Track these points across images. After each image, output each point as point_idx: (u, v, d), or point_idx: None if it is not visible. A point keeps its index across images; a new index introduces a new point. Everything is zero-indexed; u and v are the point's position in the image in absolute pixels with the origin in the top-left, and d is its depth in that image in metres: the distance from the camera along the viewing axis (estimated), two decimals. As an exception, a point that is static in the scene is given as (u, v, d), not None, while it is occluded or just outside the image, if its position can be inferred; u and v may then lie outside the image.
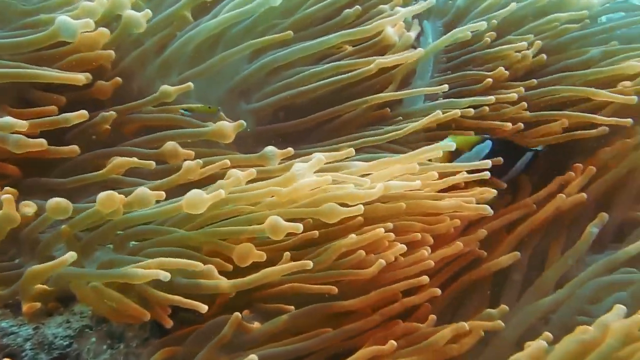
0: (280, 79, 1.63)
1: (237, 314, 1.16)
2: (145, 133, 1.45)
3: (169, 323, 1.15)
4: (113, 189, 1.15)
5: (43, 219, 1.21)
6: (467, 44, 1.78)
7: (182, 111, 1.45)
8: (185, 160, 1.36)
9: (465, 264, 1.43)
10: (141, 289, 1.16)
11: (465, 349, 1.22)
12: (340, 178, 1.27)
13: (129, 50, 1.49)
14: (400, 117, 1.66)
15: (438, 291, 1.27)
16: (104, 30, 1.37)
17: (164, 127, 1.46)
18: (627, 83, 1.66)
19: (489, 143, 1.51)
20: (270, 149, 1.39)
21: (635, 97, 1.60)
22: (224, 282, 1.16)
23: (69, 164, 1.38)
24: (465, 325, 1.23)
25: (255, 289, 1.23)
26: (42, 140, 1.19)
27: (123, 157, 1.30)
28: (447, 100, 1.65)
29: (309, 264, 1.17)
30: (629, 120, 1.59)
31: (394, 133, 1.54)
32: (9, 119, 1.17)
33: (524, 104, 1.63)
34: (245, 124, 1.39)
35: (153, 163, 1.30)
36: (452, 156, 1.48)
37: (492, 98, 1.60)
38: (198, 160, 1.27)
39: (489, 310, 1.31)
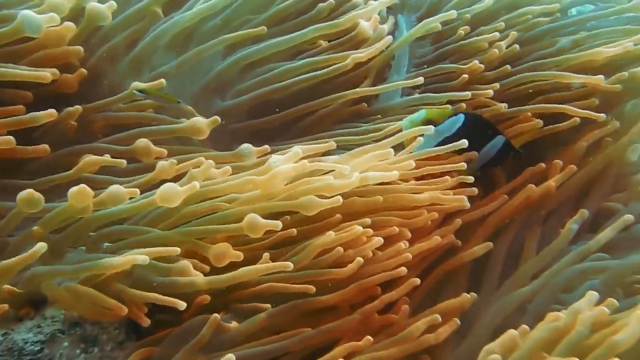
0: (255, 75, 1.61)
1: (216, 315, 1.15)
2: (117, 132, 1.42)
3: (145, 322, 1.13)
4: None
5: (12, 215, 1.17)
6: (441, 38, 1.79)
7: (136, 92, 1.40)
8: (157, 158, 1.34)
9: (441, 254, 1.44)
10: (117, 289, 1.13)
11: (442, 338, 1.22)
12: (318, 166, 1.26)
13: (98, 47, 1.46)
14: (379, 115, 1.66)
15: (417, 281, 1.27)
16: (69, 24, 1.34)
17: (136, 125, 1.43)
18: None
19: (461, 116, 1.51)
20: (246, 146, 1.38)
21: (602, 77, 1.62)
22: (200, 279, 1.14)
23: (38, 164, 1.34)
24: (439, 317, 1.23)
25: (232, 289, 1.22)
26: (10, 138, 1.16)
27: (94, 156, 1.27)
28: (423, 95, 1.66)
29: (289, 265, 1.16)
30: (602, 115, 1.61)
31: (373, 134, 1.54)
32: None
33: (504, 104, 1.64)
34: (219, 119, 1.37)
35: (124, 161, 1.28)
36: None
37: (468, 94, 1.61)
38: (172, 160, 1.25)
39: (460, 297, 1.32)
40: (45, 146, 1.29)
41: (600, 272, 1.39)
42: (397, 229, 1.29)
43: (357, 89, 1.63)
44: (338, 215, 1.28)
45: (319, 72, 1.58)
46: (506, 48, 1.71)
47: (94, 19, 1.37)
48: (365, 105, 1.67)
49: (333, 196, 1.19)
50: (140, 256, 1.07)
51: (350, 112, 1.67)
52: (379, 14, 1.71)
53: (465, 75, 1.66)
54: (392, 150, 1.34)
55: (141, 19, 1.49)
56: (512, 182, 1.59)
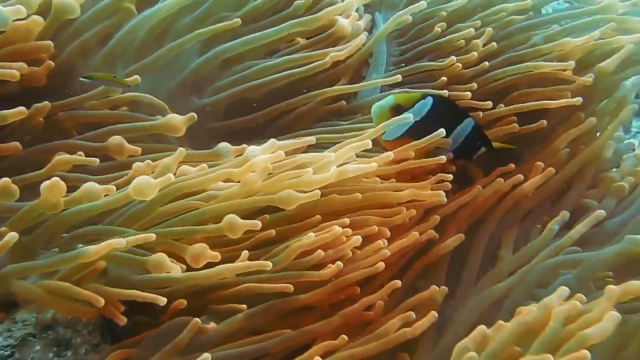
0: (232, 73, 1.60)
1: (197, 320, 1.13)
2: (90, 129, 1.39)
3: (122, 320, 1.11)
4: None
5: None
6: (419, 36, 1.80)
7: (82, 78, 1.36)
8: (131, 156, 1.31)
9: (419, 249, 1.44)
10: (93, 287, 1.10)
11: (419, 332, 1.22)
12: (297, 158, 1.26)
13: (69, 43, 1.42)
14: (359, 114, 1.66)
15: (398, 283, 1.27)
16: (37, 18, 1.30)
17: (110, 123, 1.39)
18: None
19: (429, 99, 1.51)
20: (223, 145, 1.36)
21: (572, 62, 1.66)
22: (177, 275, 1.13)
23: (8, 162, 1.30)
24: (413, 314, 1.23)
25: (209, 290, 1.21)
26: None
27: (66, 154, 1.24)
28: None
29: (268, 264, 1.15)
30: (579, 99, 1.63)
31: (353, 133, 1.53)
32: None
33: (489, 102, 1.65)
34: (196, 116, 1.35)
35: (97, 160, 1.25)
36: (395, 113, 1.47)
37: (445, 92, 1.62)
38: (148, 160, 1.23)
39: (429, 290, 1.32)
40: (17, 143, 1.26)
41: (572, 265, 1.41)
42: (376, 229, 1.29)
43: (336, 87, 1.62)
44: (318, 216, 1.28)
45: (297, 69, 1.57)
46: (483, 46, 1.72)
47: (61, 12, 1.33)
48: (344, 103, 1.67)
49: (312, 190, 1.19)
50: (117, 240, 1.05)
51: (329, 111, 1.67)
52: (357, 12, 1.70)
53: (444, 78, 1.66)
54: (370, 142, 1.33)
55: (113, 13, 1.46)
56: (487, 178, 1.60)
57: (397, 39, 1.83)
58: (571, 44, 1.70)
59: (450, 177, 1.46)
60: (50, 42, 1.34)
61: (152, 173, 1.20)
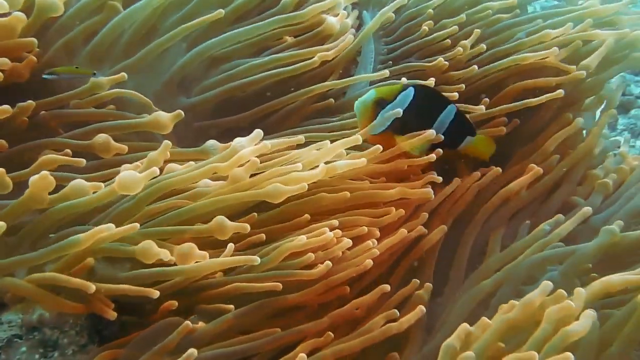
0: (220, 72, 1.59)
1: (188, 322, 1.13)
2: (76, 127, 1.37)
3: (112, 315, 1.10)
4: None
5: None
6: (407, 34, 1.80)
7: (45, 76, 1.33)
8: (117, 154, 1.30)
9: (407, 246, 1.45)
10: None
11: (405, 327, 1.23)
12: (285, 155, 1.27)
13: (54, 40, 1.41)
14: (349, 112, 1.65)
15: (387, 287, 1.28)
16: (19, 14, 1.27)
17: (96, 121, 1.38)
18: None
19: (411, 90, 1.51)
20: (211, 142, 1.36)
21: (556, 49, 1.67)
22: (166, 269, 1.13)
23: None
24: (396, 312, 1.24)
25: (198, 290, 1.20)
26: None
27: (53, 154, 1.23)
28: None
29: (256, 259, 1.15)
30: (561, 91, 1.65)
31: (342, 132, 1.54)
32: None
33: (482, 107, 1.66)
34: (183, 114, 1.34)
35: (83, 161, 1.24)
36: (378, 107, 1.48)
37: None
38: (137, 163, 1.21)
39: (410, 285, 1.35)
40: (2, 141, 1.25)
41: (556, 260, 1.42)
42: (366, 229, 1.30)
43: (324, 83, 1.62)
44: (307, 215, 1.28)
45: (285, 68, 1.57)
46: (471, 47, 1.73)
47: (45, 10, 1.32)
48: (333, 101, 1.67)
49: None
50: (107, 225, 1.04)
51: (318, 109, 1.66)
52: (345, 10, 1.70)
53: (433, 79, 1.65)
54: (360, 137, 1.35)
55: (98, 11, 1.44)
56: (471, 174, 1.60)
57: (385, 37, 1.83)
58: (551, 35, 1.71)
59: (440, 179, 1.47)
60: (34, 39, 1.32)
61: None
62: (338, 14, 1.66)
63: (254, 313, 1.20)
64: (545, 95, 1.65)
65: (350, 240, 1.25)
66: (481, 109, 1.64)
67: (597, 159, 1.78)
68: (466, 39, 1.75)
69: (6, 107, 1.19)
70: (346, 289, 1.27)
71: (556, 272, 1.41)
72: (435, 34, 1.75)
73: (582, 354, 1.05)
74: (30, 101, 1.30)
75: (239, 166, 1.21)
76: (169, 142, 1.16)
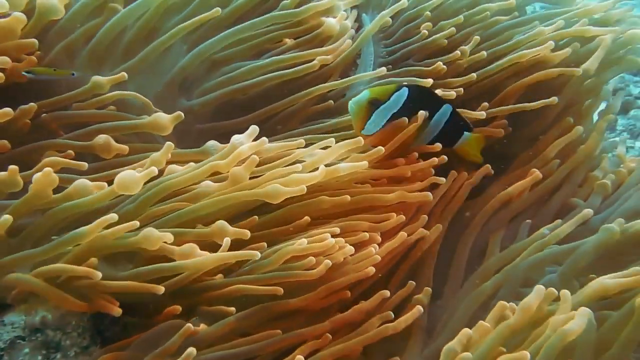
0: (221, 74, 1.59)
1: (188, 324, 1.14)
2: (77, 129, 1.37)
3: (117, 312, 1.10)
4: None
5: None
6: (406, 37, 1.80)
7: (25, 73, 1.33)
8: (118, 155, 1.31)
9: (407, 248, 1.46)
10: (85, 283, 1.11)
11: (402, 327, 1.24)
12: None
13: (55, 43, 1.41)
14: (348, 113, 1.66)
15: (387, 293, 1.28)
16: (19, 15, 1.27)
17: (96, 123, 1.38)
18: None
19: (405, 90, 1.52)
20: (212, 143, 1.36)
21: (552, 42, 1.68)
22: (166, 265, 1.13)
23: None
24: (391, 313, 1.25)
25: (200, 291, 1.21)
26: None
27: (55, 157, 1.23)
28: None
29: (256, 254, 1.16)
30: (554, 98, 1.66)
31: (343, 133, 1.55)
32: None
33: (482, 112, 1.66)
34: (183, 115, 1.34)
35: (85, 164, 1.24)
36: (372, 107, 1.49)
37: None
38: (139, 163, 1.22)
39: (406, 287, 1.36)
40: (4, 142, 1.25)
41: (554, 260, 1.43)
42: (367, 236, 1.30)
43: (323, 85, 1.62)
44: (307, 217, 1.29)
45: (285, 71, 1.57)
46: (470, 52, 1.73)
47: (45, 13, 1.32)
48: (332, 102, 1.67)
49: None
50: (110, 215, 1.05)
51: (318, 110, 1.67)
52: (344, 12, 1.70)
53: (430, 80, 1.65)
54: (361, 139, 1.36)
55: (99, 13, 1.45)
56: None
57: (385, 40, 1.84)
58: (545, 32, 1.72)
59: (443, 180, 1.48)
60: (34, 40, 1.32)
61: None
62: (337, 15, 1.67)
63: (255, 316, 1.21)
64: (541, 101, 1.66)
65: (353, 248, 1.25)
66: (482, 114, 1.65)
67: (595, 160, 1.79)
68: (464, 41, 1.76)
69: (8, 109, 1.19)
70: (347, 293, 1.27)
71: (555, 274, 1.41)
72: (433, 37, 1.76)
73: (580, 356, 1.06)
74: (32, 104, 1.30)
75: (238, 163, 1.22)
76: (172, 143, 1.17)
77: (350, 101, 1.50)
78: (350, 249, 1.25)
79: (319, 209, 1.31)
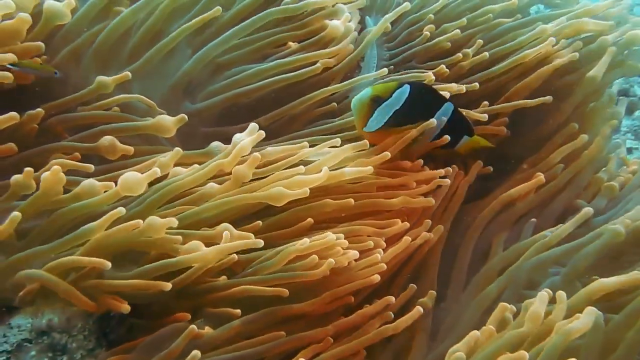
0: (224, 78, 1.60)
1: (192, 326, 1.14)
2: (82, 130, 1.38)
3: (126, 309, 1.11)
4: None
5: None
6: (409, 40, 1.81)
7: (9, 65, 1.30)
8: (123, 155, 1.32)
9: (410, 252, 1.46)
10: (92, 283, 1.12)
11: (402, 327, 1.25)
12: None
13: (61, 47, 1.41)
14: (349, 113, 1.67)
15: (392, 299, 1.29)
16: (24, 16, 1.27)
17: (101, 125, 1.39)
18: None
19: (406, 87, 1.51)
20: (216, 144, 1.37)
21: (553, 39, 1.69)
22: (170, 261, 1.14)
23: (2, 164, 1.29)
24: (391, 314, 1.26)
25: (204, 292, 1.22)
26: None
27: (63, 159, 1.23)
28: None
29: (260, 242, 1.17)
30: (549, 97, 1.67)
31: (347, 133, 1.55)
32: None
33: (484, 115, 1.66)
34: (187, 117, 1.35)
35: (92, 166, 1.25)
36: (374, 104, 1.49)
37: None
38: (144, 164, 1.23)
39: (407, 290, 1.36)
40: (12, 145, 1.26)
41: (556, 261, 1.43)
42: (372, 244, 1.30)
43: (327, 88, 1.62)
44: (310, 219, 1.29)
45: (289, 75, 1.57)
46: (473, 55, 1.73)
47: (52, 18, 1.33)
48: (336, 104, 1.67)
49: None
50: (118, 209, 1.07)
51: (321, 113, 1.67)
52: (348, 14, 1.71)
53: (432, 77, 1.66)
54: (367, 142, 1.36)
55: (104, 17, 1.45)
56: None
57: (388, 42, 1.84)
58: (546, 31, 1.72)
59: (448, 182, 1.48)
60: (41, 43, 1.33)
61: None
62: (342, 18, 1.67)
63: (260, 320, 1.21)
64: (539, 99, 1.66)
65: (357, 253, 1.25)
66: (484, 117, 1.64)
67: (600, 163, 1.78)
68: (467, 43, 1.76)
69: (14, 114, 1.19)
70: (351, 298, 1.28)
71: (558, 276, 1.42)
72: (436, 39, 1.76)
73: (585, 357, 1.06)
74: (39, 109, 1.30)
75: (240, 161, 1.22)
76: (180, 149, 1.18)
77: (354, 99, 1.51)
78: (354, 253, 1.25)
79: (322, 212, 1.32)
